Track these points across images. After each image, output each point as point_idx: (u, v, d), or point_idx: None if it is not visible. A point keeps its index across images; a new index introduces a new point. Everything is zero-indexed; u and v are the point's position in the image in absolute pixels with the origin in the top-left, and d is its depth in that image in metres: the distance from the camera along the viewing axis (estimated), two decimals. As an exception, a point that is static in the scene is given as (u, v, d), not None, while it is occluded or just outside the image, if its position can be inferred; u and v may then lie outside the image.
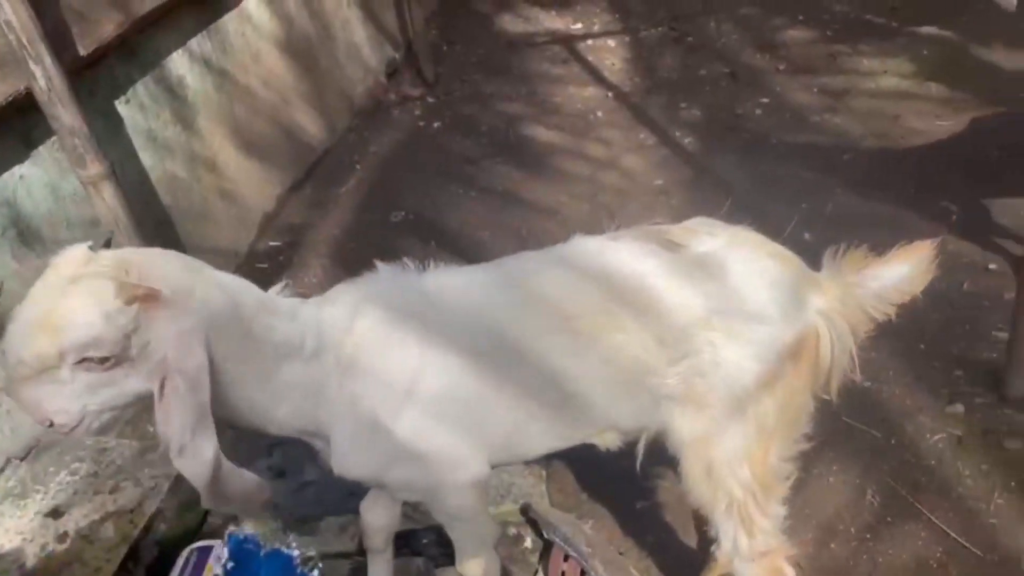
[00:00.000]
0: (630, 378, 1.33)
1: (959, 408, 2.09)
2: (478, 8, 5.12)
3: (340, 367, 1.28)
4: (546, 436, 1.41)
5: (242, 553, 1.60)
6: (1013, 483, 1.91)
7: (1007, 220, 2.69)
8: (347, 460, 1.32)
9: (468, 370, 1.30)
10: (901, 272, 1.40)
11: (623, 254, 1.34)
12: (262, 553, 1.62)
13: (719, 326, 1.30)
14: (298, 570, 1.62)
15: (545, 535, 1.87)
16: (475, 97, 4.15)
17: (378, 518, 1.55)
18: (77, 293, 1.08)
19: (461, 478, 1.37)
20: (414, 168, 3.61)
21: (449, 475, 1.36)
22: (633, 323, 1.30)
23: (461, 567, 1.53)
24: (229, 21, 3.02)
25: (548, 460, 2.11)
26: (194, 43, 2.80)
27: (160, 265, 1.18)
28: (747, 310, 1.32)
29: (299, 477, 2.10)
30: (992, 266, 2.52)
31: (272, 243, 3.15)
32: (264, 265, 3.01)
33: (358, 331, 1.28)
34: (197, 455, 1.15)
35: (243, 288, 1.27)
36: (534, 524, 1.93)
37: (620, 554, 1.91)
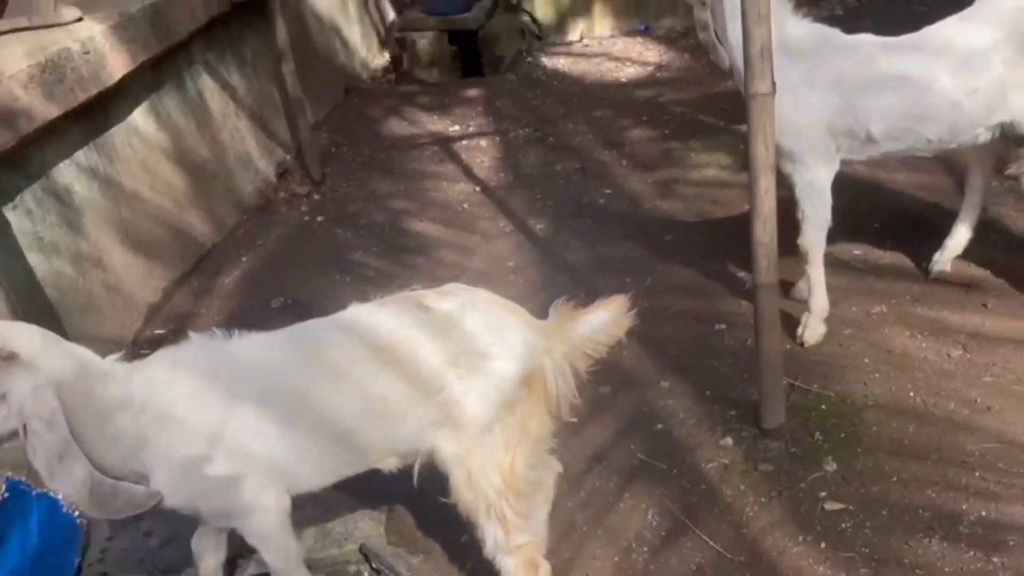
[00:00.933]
0: (398, 412, 1.70)
1: (729, 441, 2.50)
2: (368, 113, 5.61)
3: (159, 418, 1.61)
4: (338, 466, 1.75)
5: (17, 490, 1.92)
6: (763, 499, 2.30)
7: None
8: (167, 494, 1.64)
9: (264, 417, 1.65)
10: (603, 319, 1.81)
11: (386, 316, 1.72)
12: (34, 493, 1.93)
13: (464, 364, 1.68)
14: (63, 510, 1.92)
15: (373, 565, 2.18)
16: (359, 194, 4.56)
17: (206, 548, 1.85)
18: None
19: (263, 506, 1.69)
20: (296, 259, 3.97)
21: (252, 505, 1.68)
22: (394, 369, 1.67)
23: None
24: (116, 133, 3.39)
25: (387, 505, 2.43)
26: (80, 154, 3.15)
27: (21, 334, 1.53)
28: (484, 351, 1.70)
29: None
30: (772, 324, 2.98)
31: (157, 331, 3.44)
32: (148, 351, 3.28)
33: (174, 388, 1.62)
34: (69, 477, 1.48)
35: (89, 356, 1.63)
36: (367, 559, 2.24)
37: (442, 579, 2.22)
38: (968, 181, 2.97)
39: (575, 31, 6.42)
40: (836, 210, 2.72)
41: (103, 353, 1.68)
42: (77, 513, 1.91)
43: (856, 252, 3.29)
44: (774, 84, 2.00)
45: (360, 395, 1.67)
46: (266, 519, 1.70)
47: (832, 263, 3.20)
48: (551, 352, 1.76)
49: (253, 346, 1.70)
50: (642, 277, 3.38)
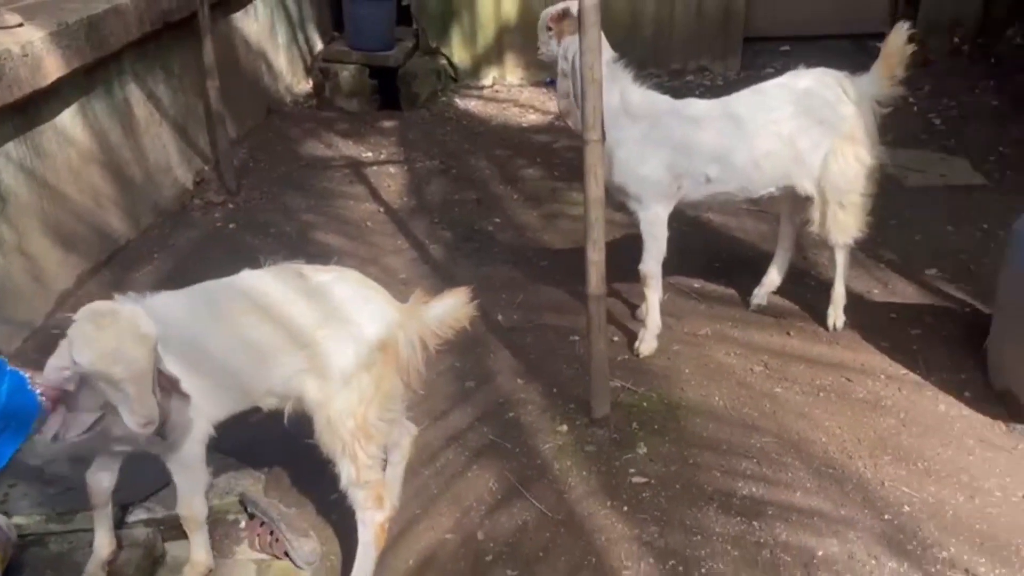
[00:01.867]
0: (274, 358, 2.10)
1: (564, 427, 2.98)
2: (287, 133, 6.00)
3: None
4: (231, 402, 2.14)
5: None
6: (584, 473, 2.78)
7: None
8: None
9: (184, 360, 2.02)
10: (448, 306, 2.27)
11: (270, 279, 2.14)
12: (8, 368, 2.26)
13: (331, 325, 2.11)
14: (28, 386, 2.24)
15: (248, 510, 2.55)
16: (271, 206, 4.94)
17: (100, 481, 2.19)
18: None
19: (194, 437, 2.06)
20: (206, 259, 4.30)
21: (186, 435, 2.05)
22: (273, 322, 2.09)
23: (182, 507, 2.19)
24: (46, 131, 3.70)
25: (267, 467, 2.80)
26: (11, 146, 3.45)
27: None
28: (349, 317, 2.13)
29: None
30: (615, 338, 3.50)
31: (68, 314, 3.72)
32: (57, 331, 3.57)
33: None
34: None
35: None
36: (244, 507, 2.61)
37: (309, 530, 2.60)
38: (780, 230, 3.59)
39: (488, 77, 6.97)
40: (687, 251, 3.26)
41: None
42: (40, 393, 2.15)
43: (695, 285, 3.86)
44: (603, 133, 2.53)
45: (244, 341, 2.07)
46: (195, 448, 2.07)
47: (675, 292, 3.78)
48: (405, 327, 2.20)
49: (165, 302, 2.09)
50: (515, 294, 3.87)
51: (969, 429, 2.88)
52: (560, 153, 5.54)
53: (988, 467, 2.71)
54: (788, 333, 3.48)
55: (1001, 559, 2.38)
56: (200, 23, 4.70)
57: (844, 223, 3.27)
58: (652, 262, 3.26)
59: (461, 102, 6.62)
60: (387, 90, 6.62)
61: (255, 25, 6.12)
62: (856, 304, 3.58)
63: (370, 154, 5.69)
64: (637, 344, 3.36)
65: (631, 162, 3.07)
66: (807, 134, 3.13)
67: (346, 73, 6.49)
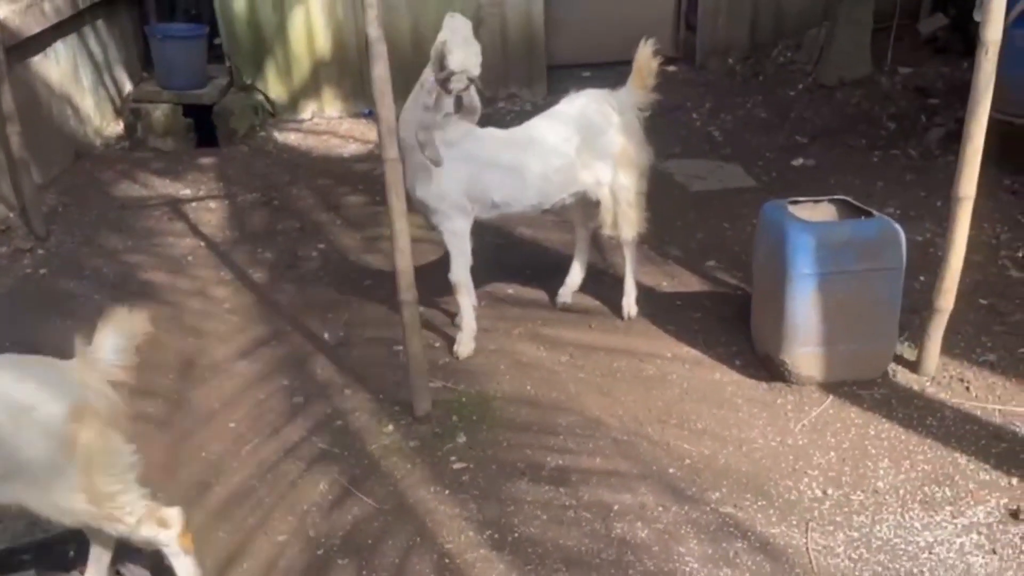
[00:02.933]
0: None
1: (390, 427, 3.21)
2: (99, 176, 5.88)
3: None
4: None
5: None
6: (410, 466, 3.01)
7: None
8: None
9: None
10: (112, 339, 2.13)
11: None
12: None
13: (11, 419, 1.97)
14: None
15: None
16: (86, 249, 4.85)
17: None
18: None
19: None
20: (15, 306, 4.20)
21: None
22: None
23: None
24: None
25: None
26: None
27: None
28: (25, 404, 1.96)
29: None
30: (436, 344, 3.76)
31: None
32: None
33: None
34: None
35: None
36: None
37: None
38: (576, 235, 4.01)
39: (307, 110, 7.12)
40: (501, 262, 3.55)
41: None
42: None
43: (509, 291, 4.21)
44: (400, 152, 2.80)
45: None
46: None
47: (491, 298, 4.10)
48: (86, 383, 2.05)
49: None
50: (341, 313, 4.06)
51: (738, 391, 3.36)
52: (381, 179, 5.76)
53: (752, 421, 3.18)
54: (590, 326, 3.87)
55: (762, 493, 2.82)
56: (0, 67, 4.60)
57: (630, 219, 3.71)
58: (460, 271, 3.55)
59: (280, 136, 6.73)
60: (203, 127, 6.63)
61: (56, 69, 5.98)
62: (647, 296, 4.04)
63: (188, 191, 5.70)
64: (456, 347, 3.64)
65: (444, 181, 3.38)
66: (589, 146, 3.56)
67: (158, 112, 6.44)
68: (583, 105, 3.63)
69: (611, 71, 8.03)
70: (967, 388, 3.29)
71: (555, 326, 3.89)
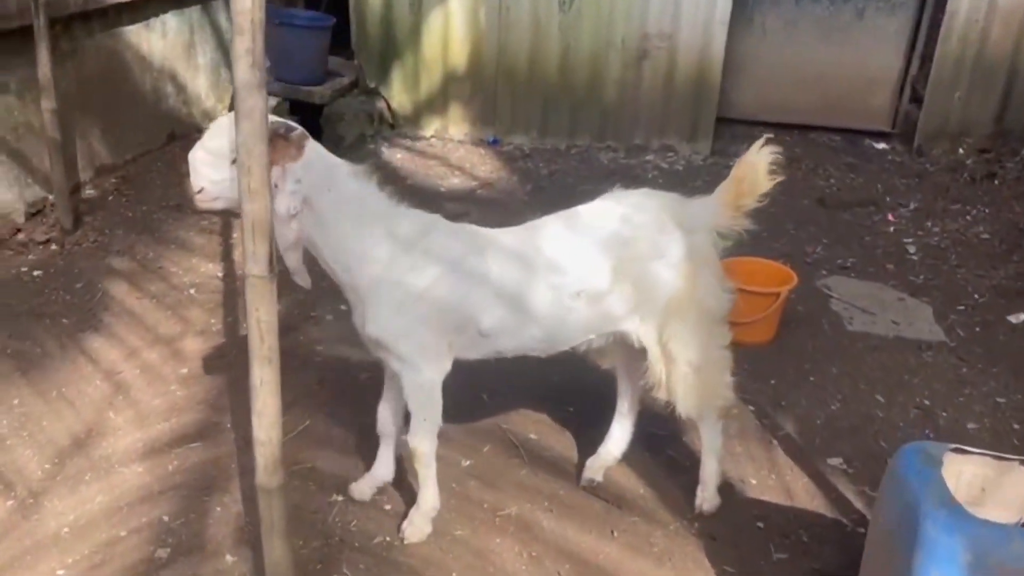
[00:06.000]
0: None
1: None
2: (176, 165, 5.29)
3: None
4: None
5: None
6: None
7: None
8: None
9: None
10: None
11: None
12: None
13: None
14: None
15: None
16: (99, 253, 4.22)
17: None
18: None
19: None
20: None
21: None
22: None
23: None
24: None
25: None
26: None
27: None
28: None
29: None
30: (388, 506, 2.67)
31: None
32: None
33: None
34: None
35: None
36: None
37: None
38: (618, 389, 2.77)
39: (430, 127, 6.25)
40: (537, 386, 2.43)
41: None
42: None
43: (531, 436, 3.03)
44: (272, 266, 1.74)
45: None
46: None
47: (500, 443, 2.97)
48: None
49: None
50: (303, 416, 3.07)
51: None
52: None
53: None
54: (612, 532, 2.61)
55: None
56: (36, 32, 4.03)
57: (694, 387, 2.44)
58: (425, 439, 2.44)
59: (387, 152, 5.90)
60: (310, 129, 5.91)
61: (161, 42, 5.47)
62: (720, 495, 2.72)
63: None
64: (404, 526, 2.53)
65: (388, 310, 2.29)
66: (626, 275, 2.34)
67: (265, 105, 5.79)
68: (627, 214, 2.40)
69: (799, 137, 6.56)
70: None
71: (564, 515, 2.67)
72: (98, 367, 3.29)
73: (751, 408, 3.24)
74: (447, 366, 2.40)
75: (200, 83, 5.97)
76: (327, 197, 2.19)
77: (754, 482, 2.87)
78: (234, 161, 2.00)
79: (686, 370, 2.43)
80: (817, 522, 2.71)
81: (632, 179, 5.55)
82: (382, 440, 2.65)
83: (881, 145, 6.18)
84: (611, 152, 6.01)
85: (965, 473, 2.00)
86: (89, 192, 4.83)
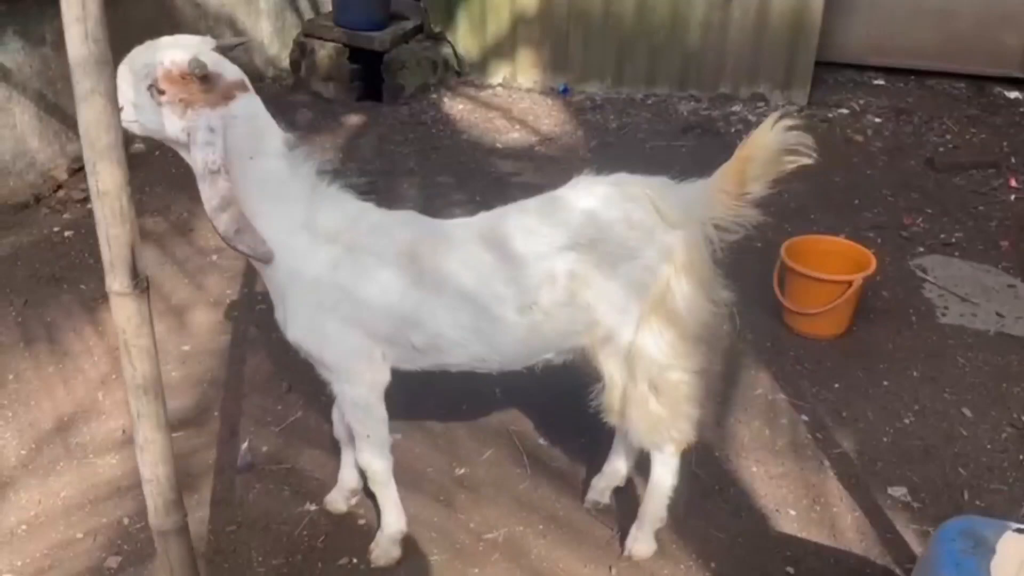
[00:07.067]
0: None
1: None
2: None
3: None
4: None
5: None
6: None
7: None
8: None
9: None
10: None
11: None
12: None
13: None
14: None
15: None
16: (136, 210, 4.10)
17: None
18: None
19: None
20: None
21: None
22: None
23: None
24: None
25: None
26: None
27: None
28: None
29: None
30: (362, 521, 2.42)
31: None
32: None
33: None
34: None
35: None
36: None
37: None
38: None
39: (498, 74, 5.83)
40: (563, 383, 2.14)
41: None
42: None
43: (540, 441, 2.70)
44: (137, 280, 1.44)
45: None
46: None
47: (505, 448, 2.66)
48: None
49: None
50: (289, 410, 2.84)
51: None
52: (512, 192, 4.36)
53: None
54: (611, 569, 2.26)
55: None
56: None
57: (654, 413, 2.03)
58: (374, 457, 2.15)
59: (448, 102, 5.53)
60: (369, 77, 5.64)
61: (215, -16, 5.26)
62: (750, 521, 2.31)
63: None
64: (372, 548, 2.27)
65: (308, 310, 1.98)
66: (598, 271, 1.93)
67: (323, 52, 5.55)
68: (591, 209, 1.97)
69: (915, 84, 5.73)
70: None
71: (558, 543, 2.33)
72: (101, 340, 3.16)
73: (804, 419, 2.78)
74: (383, 378, 2.08)
75: (262, 28, 5.75)
76: (246, 165, 1.87)
77: (793, 513, 2.44)
78: (150, 87, 1.82)
79: (645, 392, 2.01)
80: (863, 570, 2.27)
81: (713, 133, 4.99)
82: (343, 445, 2.38)
83: (1013, 94, 5.32)
84: (692, 102, 5.43)
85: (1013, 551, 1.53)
86: (137, 147, 4.72)
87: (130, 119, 1.85)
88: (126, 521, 2.38)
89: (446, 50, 5.84)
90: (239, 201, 1.86)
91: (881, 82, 5.60)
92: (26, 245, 3.79)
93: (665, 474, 2.18)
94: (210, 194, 1.83)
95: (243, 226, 1.87)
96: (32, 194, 4.12)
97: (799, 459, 2.63)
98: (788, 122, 1.87)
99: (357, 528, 2.37)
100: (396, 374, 2.13)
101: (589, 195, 1.98)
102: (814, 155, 1.87)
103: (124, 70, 1.85)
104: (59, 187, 4.26)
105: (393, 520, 2.22)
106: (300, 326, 1.99)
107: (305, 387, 2.90)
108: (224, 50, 1.90)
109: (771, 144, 1.86)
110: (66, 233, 3.91)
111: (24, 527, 2.36)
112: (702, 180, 2.00)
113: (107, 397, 2.87)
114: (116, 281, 1.43)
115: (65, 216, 4.05)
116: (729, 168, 1.93)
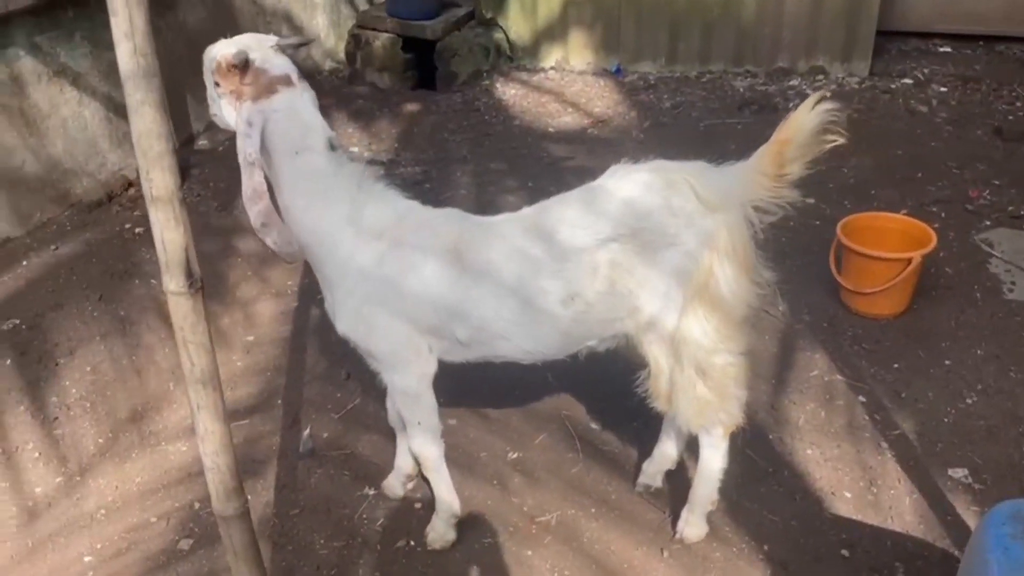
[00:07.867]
0: None
1: None
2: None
3: None
4: None
5: None
6: None
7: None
8: None
9: None
10: None
11: None
12: None
13: None
14: None
15: None
16: (202, 208, 4.24)
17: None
18: None
19: None
20: (57, 279, 3.70)
21: None
22: None
23: None
24: None
25: None
26: None
27: None
28: None
29: None
30: (419, 505, 2.48)
31: None
32: None
33: None
34: None
35: None
36: None
37: None
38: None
39: (550, 57, 5.82)
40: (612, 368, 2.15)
41: None
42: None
43: (593, 426, 2.73)
44: (193, 280, 1.52)
45: None
46: None
47: (558, 432, 2.69)
48: None
49: None
50: (351, 396, 2.92)
51: None
52: (565, 176, 4.37)
53: None
54: (663, 552, 2.28)
55: None
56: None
57: (702, 398, 2.04)
58: (425, 443, 2.21)
59: (501, 87, 5.55)
60: (424, 66, 5.70)
61: (271, -20, 5.38)
62: (803, 505, 2.30)
63: (356, 149, 4.83)
64: (428, 531, 2.34)
65: (356, 302, 2.04)
66: (639, 260, 1.93)
67: (378, 43, 5.63)
68: (631, 197, 1.96)
69: (983, 51, 5.49)
70: None
71: (610, 527, 2.36)
72: (171, 332, 3.28)
73: (861, 400, 2.74)
74: (430, 368, 2.13)
75: (319, 22, 5.86)
76: (292, 161, 1.93)
77: (848, 495, 2.42)
78: (215, 83, 1.93)
79: (692, 376, 2.01)
80: (921, 553, 2.24)
81: (770, 109, 4.89)
82: (397, 432, 2.45)
83: (1091, 54, 5.07)
84: (748, 78, 5.33)
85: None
86: (202, 143, 4.88)
87: (212, 112, 1.95)
88: (196, 505, 2.50)
89: (498, 36, 5.86)
90: (283, 195, 1.94)
91: (947, 49, 5.40)
92: (100, 242, 3.97)
93: (714, 457, 2.18)
94: (245, 185, 1.90)
95: (271, 222, 1.93)
96: (105, 193, 4.31)
97: (856, 441, 2.59)
98: (827, 105, 1.84)
99: (414, 512, 2.45)
100: (447, 363, 2.19)
101: (628, 183, 1.99)
102: (844, 136, 1.84)
103: (206, 60, 1.95)
104: (129, 185, 4.44)
105: (447, 504, 2.29)
106: (348, 319, 2.06)
107: (363, 375, 2.98)
108: (286, 49, 1.96)
109: (810, 126, 1.84)
110: (136, 230, 4.08)
111: (103, 511, 2.51)
112: (741, 163, 1.99)
113: (177, 387, 3.01)
114: (172, 282, 1.52)
115: (136, 213, 4.22)
116: (767, 150, 1.91)
